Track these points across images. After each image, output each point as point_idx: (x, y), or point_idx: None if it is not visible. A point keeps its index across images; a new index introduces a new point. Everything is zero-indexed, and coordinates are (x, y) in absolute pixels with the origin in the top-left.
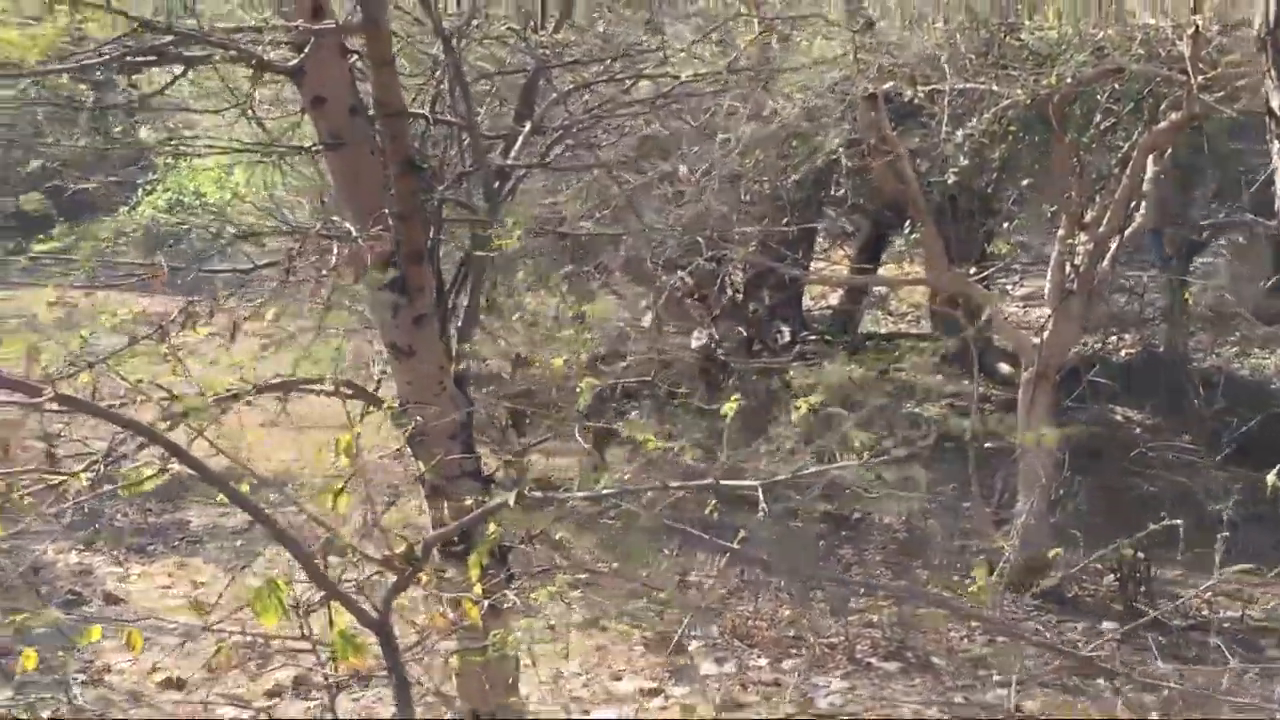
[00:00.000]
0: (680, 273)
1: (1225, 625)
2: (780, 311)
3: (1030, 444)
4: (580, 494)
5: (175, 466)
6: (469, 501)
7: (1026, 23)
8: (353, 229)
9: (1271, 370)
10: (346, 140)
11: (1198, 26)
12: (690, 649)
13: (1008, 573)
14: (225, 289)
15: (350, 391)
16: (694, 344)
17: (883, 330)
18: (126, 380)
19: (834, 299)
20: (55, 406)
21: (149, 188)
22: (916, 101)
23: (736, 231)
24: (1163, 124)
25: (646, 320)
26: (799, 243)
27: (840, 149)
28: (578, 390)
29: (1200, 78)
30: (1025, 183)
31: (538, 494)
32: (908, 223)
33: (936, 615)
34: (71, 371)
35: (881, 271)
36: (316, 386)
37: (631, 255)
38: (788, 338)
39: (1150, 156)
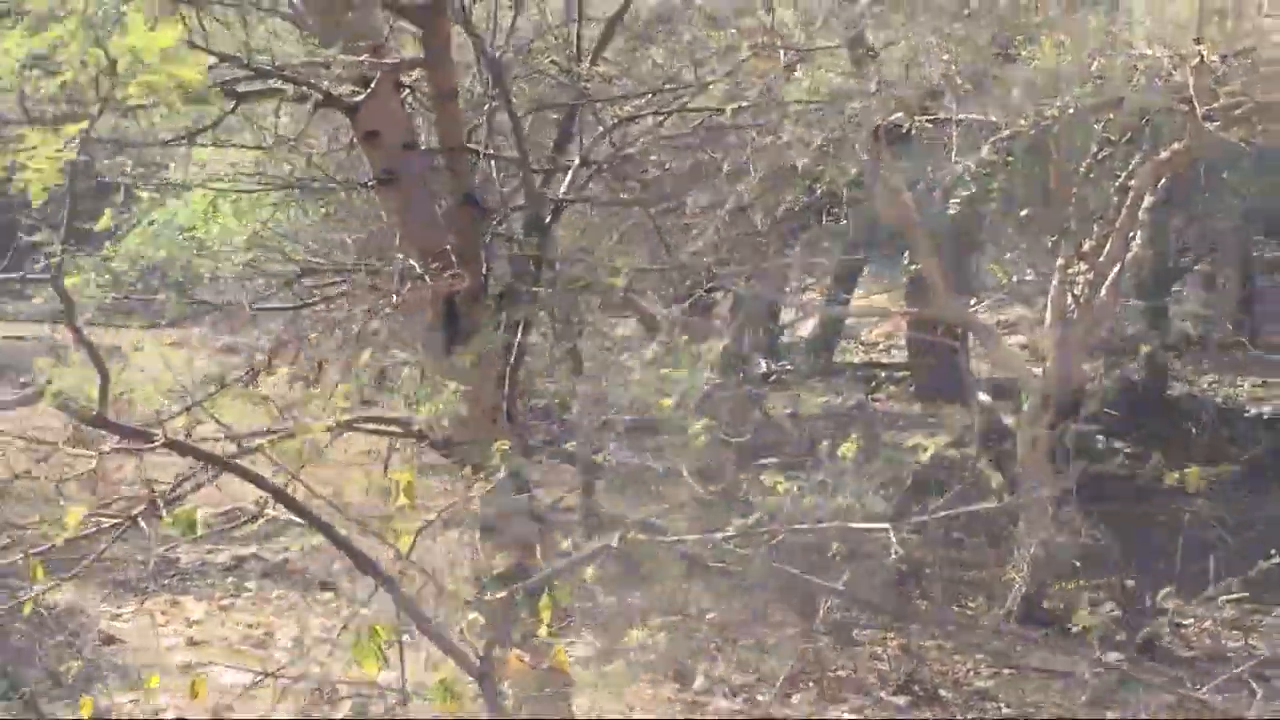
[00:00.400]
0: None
1: (1229, 655)
2: (755, 342)
3: (1031, 474)
4: (692, 536)
5: (271, 511)
6: (565, 543)
7: (1022, 54)
8: (417, 265)
9: (1245, 398)
10: (400, 175)
11: (1202, 56)
12: (696, 684)
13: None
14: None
15: (401, 431)
16: None
17: (856, 360)
18: (221, 423)
19: (803, 330)
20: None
21: (131, 222)
22: (913, 131)
23: (734, 263)
24: (1164, 153)
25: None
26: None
27: (841, 180)
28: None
29: (1204, 108)
30: (1024, 213)
31: (643, 537)
32: (905, 253)
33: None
34: (170, 415)
35: (856, 301)
36: (382, 427)
37: (631, 287)
38: (764, 368)
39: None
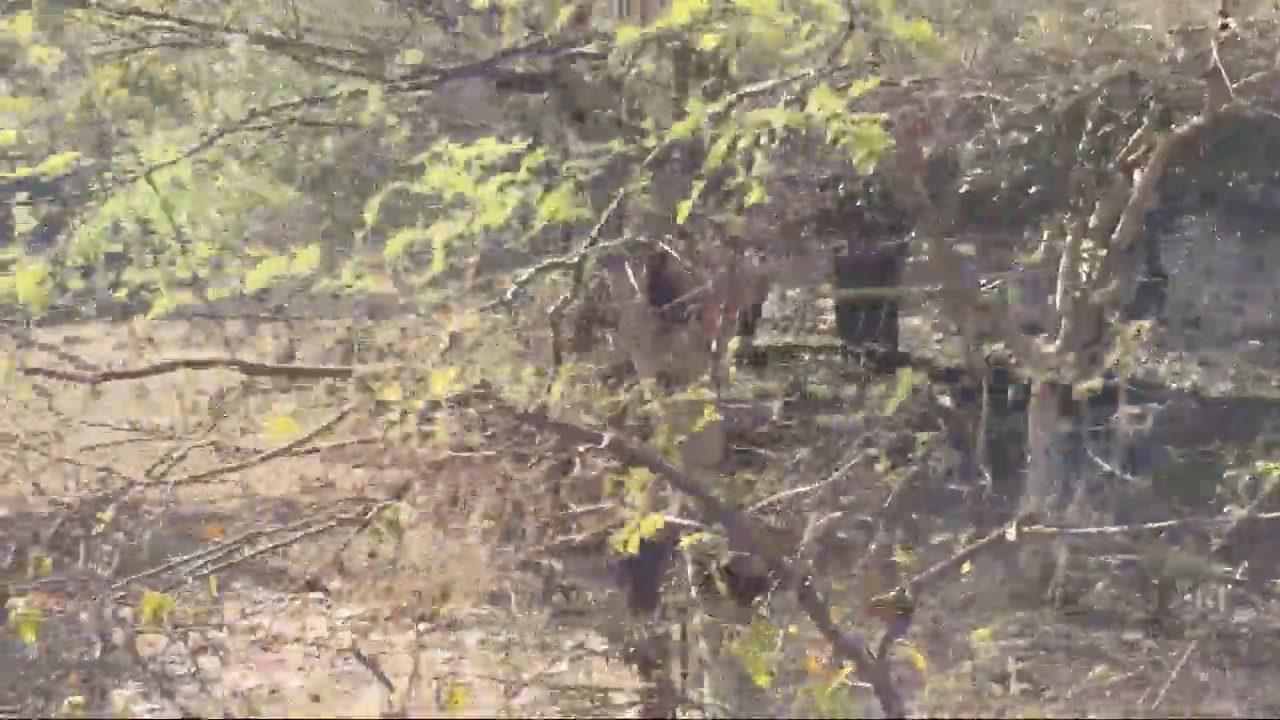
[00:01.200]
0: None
1: (1244, 630)
2: None
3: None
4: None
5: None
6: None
7: (1020, 29)
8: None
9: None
10: None
11: (1228, 26)
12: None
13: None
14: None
15: None
16: None
17: (779, 344)
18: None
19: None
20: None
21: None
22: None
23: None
24: (1181, 128)
25: None
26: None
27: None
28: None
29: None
30: (1032, 190)
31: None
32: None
33: None
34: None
35: None
36: None
37: None
38: None
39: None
